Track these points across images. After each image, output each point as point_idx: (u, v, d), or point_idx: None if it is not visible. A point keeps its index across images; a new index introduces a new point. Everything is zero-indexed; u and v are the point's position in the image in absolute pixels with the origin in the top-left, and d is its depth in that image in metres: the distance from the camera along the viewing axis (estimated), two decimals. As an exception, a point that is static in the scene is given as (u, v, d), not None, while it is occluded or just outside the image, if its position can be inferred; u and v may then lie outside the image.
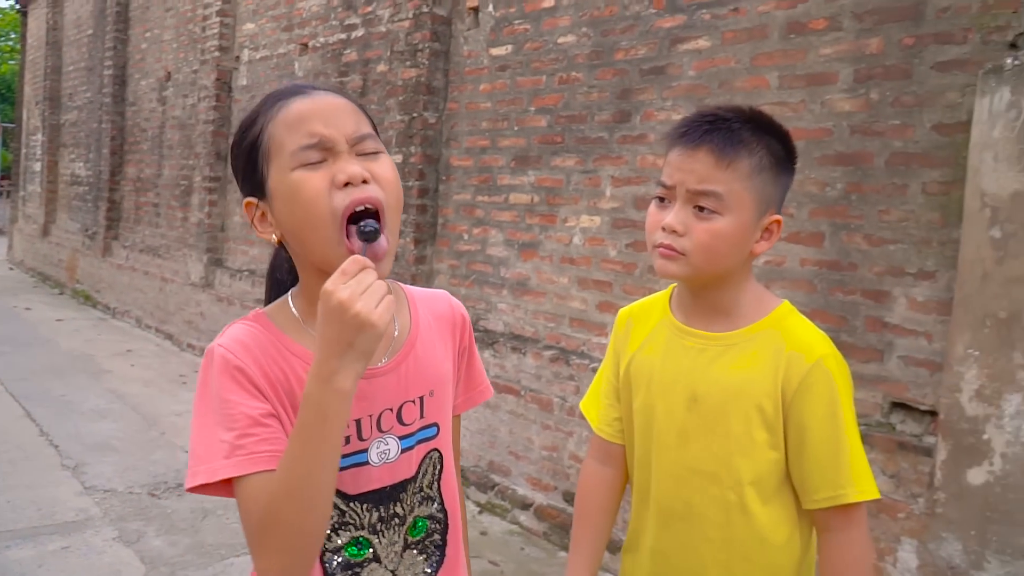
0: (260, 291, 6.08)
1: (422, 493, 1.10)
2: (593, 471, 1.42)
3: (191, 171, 7.27)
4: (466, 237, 4.36)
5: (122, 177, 8.91)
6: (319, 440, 0.86)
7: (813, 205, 2.83)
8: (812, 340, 1.22)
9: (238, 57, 6.75)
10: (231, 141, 1.03)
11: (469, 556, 1.23)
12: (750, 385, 1.21)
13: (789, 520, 1.25)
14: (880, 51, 2.68)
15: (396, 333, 1.08)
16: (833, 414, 1.18)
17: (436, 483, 1.12)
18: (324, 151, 0.94)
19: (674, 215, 1.19)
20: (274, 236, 0.99)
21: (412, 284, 1.28)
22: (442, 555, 1.12)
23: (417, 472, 1.09)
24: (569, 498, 3.57)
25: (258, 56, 6.48)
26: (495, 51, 4.21)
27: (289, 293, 1.06)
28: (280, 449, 0.91)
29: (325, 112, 0.96)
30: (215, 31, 6.79)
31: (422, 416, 1.09)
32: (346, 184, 0.93)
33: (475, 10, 4.34)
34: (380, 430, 1.04)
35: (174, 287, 7.41)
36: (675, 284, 1.36)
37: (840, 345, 1.51)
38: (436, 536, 1.12)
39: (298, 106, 0.96)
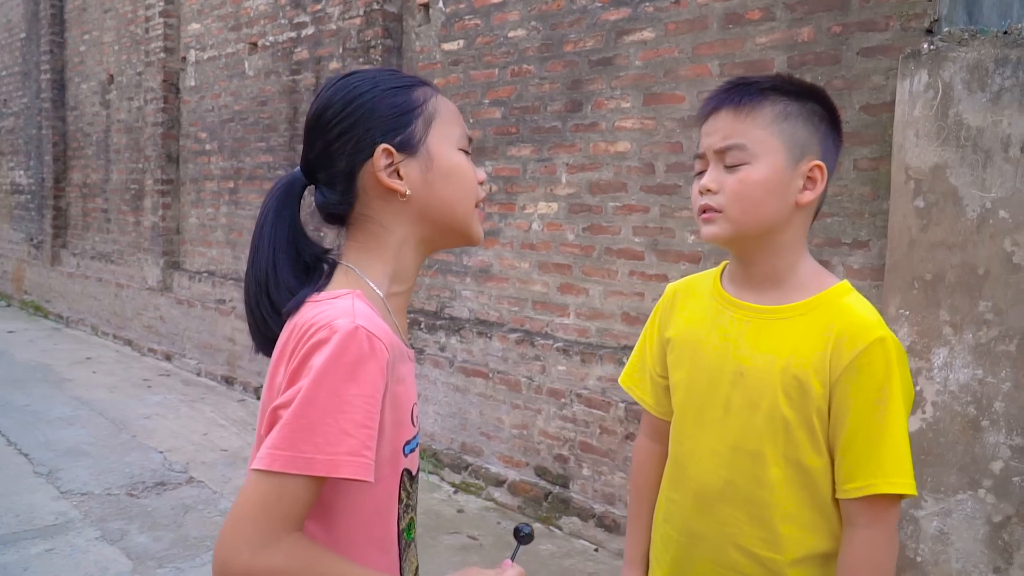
0: (220, 291, 6.13)
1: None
2: (645, 447, 1.45)
3: (141, 174, 7.22)
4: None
5: (67, 183, 8.78)
6: None
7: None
8: (868, 321, 1.15)
9: (184, 58, 6.73)
10: (353, 83, 1.05)
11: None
12: (797, 362, 1.17)
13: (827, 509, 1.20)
14: (811, 39, 2.89)
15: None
16: (879, 400, 1.12)
17: None
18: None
19: (707, 176, 1.20)
20: (408, 192, 1.03)
21: None
22: None
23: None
24: (541, 472, 3.74)
25: (206, 56, 6.47)
26: (447, 46, 4.33)
27: (357, 271, 1.04)
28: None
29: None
30: (159, 32, 6.75)
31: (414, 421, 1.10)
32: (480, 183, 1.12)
33: (425, 6, 4.45)
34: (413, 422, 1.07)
35: (130, 292, 7.37)
36: (727, 262, 1.33)
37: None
38: None
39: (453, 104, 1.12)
